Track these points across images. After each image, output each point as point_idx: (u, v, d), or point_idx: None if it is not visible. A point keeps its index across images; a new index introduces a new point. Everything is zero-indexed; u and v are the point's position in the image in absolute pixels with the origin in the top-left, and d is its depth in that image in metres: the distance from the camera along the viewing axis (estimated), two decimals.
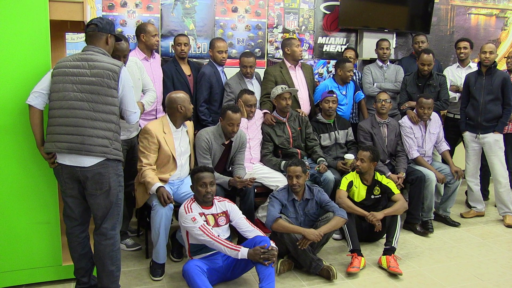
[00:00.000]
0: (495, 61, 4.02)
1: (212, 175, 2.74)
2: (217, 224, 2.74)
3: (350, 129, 4.04)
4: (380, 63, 4.49)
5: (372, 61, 4.69)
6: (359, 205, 3.37)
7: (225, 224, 2.78)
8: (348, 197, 3.39)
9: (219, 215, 2.77)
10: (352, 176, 3.45)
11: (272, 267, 2.59)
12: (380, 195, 3.45)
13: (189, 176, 3.04)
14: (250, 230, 2.74)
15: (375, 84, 4.39)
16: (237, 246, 2.59)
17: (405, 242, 3.64)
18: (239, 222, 2.77)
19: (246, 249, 2.55)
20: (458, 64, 4.51)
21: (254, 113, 3.63)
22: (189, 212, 2.65)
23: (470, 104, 4.12)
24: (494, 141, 4.03)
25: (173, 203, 2.89)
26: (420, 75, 4.15)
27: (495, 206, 4.31)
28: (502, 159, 4.07)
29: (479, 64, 4.10)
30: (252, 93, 3.65)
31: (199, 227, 2.57)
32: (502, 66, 5.15)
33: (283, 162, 3.54)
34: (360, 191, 3.42)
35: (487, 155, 4.10)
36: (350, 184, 3.41)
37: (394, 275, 3.02)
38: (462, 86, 4.29)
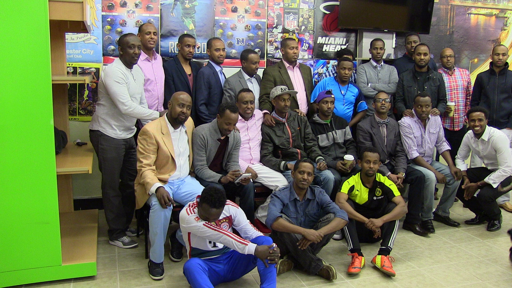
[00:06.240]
0: (507, 62, 4.30)
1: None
2: None
3: (347, 127, 4.01)
4: (374, 63, 4.47)
5: None
6: (363, 208, 3.37)
7: (228, 228, 2.75)
8: (351, 199, 3.38)
9: (222, 221, 2.73)
10: (353, 181, 3.42)
11: (274, 268, 2.59)
12: (382, 196, 3.44)
13: (189, 175, 3.08)
14: (254, 234, 2.72)
15: (369, 84, 4.38)
16: (245, 240, 2.56)
17: (405, 242, 3.64)
18: (245, 228, 2.76)
19: (254, 245, 2.52)
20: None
21: (251, 110, 3.60)
22: (191, 214, 2.62)
23: (482, 102, 4.31)
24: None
25: (174, 204, 2.89)
26: (417, 69, 4.20)
27: None
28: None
29: (491, 64, 4.38)
30: (249, 90, 3.62)
31: (203, 224, 2.55)
32: None
33: (282, 162, 3.55)
34: (362, 195, 3.41)
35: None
36: (352, 188, 3.39)
37: (394, 275, 3.02)
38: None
